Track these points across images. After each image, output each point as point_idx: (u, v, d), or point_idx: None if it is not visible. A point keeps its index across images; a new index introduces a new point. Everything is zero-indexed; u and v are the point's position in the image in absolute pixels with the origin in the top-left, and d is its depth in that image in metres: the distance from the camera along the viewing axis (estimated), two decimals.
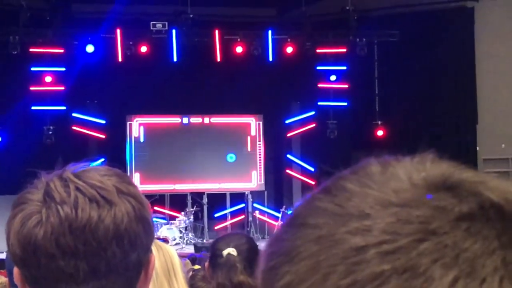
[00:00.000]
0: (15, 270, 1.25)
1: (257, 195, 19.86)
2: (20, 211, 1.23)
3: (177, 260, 2.75)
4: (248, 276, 2.95)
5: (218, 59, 18.41)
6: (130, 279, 1.27)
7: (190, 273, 6.52)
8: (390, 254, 0.57)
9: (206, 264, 3.14)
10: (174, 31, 18.11)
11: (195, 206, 18.62)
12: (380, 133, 19.06)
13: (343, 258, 0.58)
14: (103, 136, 18.91)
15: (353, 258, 0.58)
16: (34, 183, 1.27)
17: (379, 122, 19.13)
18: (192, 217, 18.25)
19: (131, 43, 18.13)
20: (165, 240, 14.66)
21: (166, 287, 2.65)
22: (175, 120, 19.68)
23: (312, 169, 19.55)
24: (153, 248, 2.57)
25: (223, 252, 3.00)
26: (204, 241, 17.85)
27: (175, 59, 18.28)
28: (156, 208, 18.67)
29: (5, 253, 13.08)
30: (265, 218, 19.38)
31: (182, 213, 18.20)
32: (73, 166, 1.29)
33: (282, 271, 0.62)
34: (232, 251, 3.00)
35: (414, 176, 0.63)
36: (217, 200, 19.43)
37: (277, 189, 20.41)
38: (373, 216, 0.60)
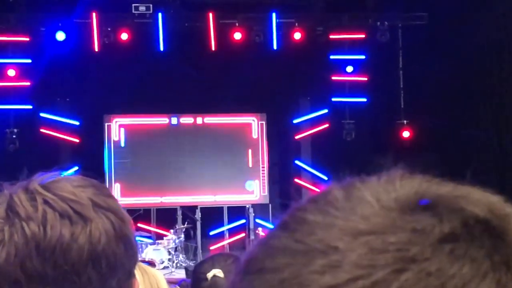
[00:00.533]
0: None
1: (260, 209, 19.58)
2: None
3: (164, 285, 2.72)
4: None
5: (213, 48, 18.12)
6: None
7: None
8: None
9: None
10: (160, 15, 17.80)
11: (186, 223, 18.41)
12: (406, 134, 18.81)
13: None
14: (76, 140, 18.66)
15: None
16: None
17: (405, 121, 18.90)
18: (183, 235, 17.98)
19: (109, 29, 17.90)
20: (151, 264, 14.50)
21: None
22: (162, 120, 19.49)
23: (326, 178, 19.13)
24: (137, 272, 2.42)
25: (208, 275, 3.07)
26: None
27: (161, 48, 18.01)
28: (140, 225, 18.28)
29: None
30: None
31: (171, 230, 17.93)
32: (41, 176, 1.28)
33: None
34: (218, 272, 3.07)
35: (383, 198, 0.63)
36: (212, 215, 19.16)
37: (283, 201, 20.11)
38: (341, 248, 0.59)
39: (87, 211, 1.21)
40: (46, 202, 1.20)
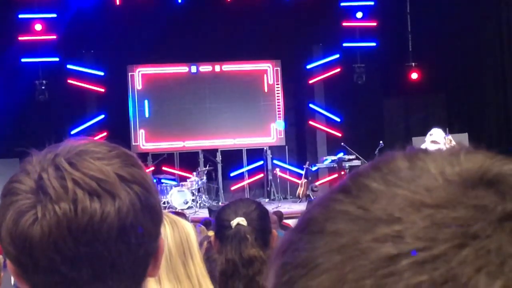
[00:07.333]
0: (9, 264, 1.23)
1: (277, 151, 19.94)
2: (11, 203, 1.20)
3: (193, 238, 2.75)
4: (259, 248, 2.95)
5: None
6: (138, 274, 1.27)
7: (205, 243, 6.58)
8: (427, 264, 0.56)
9: (212, 237, 3.15)
10: None
11: (208, 165, 18.63)
12: (414, 76, 19.12)
13: (372, 270, 0.56)
14: (102, 90, 19.09)
15: (384, 270, 0.56)
16: (25, 166, 1.23)
17: (413, 64, 19.12)
18: (205, 177, 18.29)
19: None
20: (181, 214, 14.55)
21: (181, 269, 2.66)
22: (182, 69, 19.73)
23: (338, 120, 19.66)
24: (167, 224, 2.58)
25: (232, 222, 2.99)
26: (220, 203, 17.86)
27: None
28: (164, 168, 18.94)
29: None
30: (287, 176, 19.51)
31: (194, 173, 18.22)
32: (67, 146, 1.24)
33: (300, 286, 0.60)
34: (241, 220, 2.98)
35: (447, 171, 0.61)
36: (232, 157, 19.51)
37: (299, 143, 20.52)
38: (404, 220, 0.58)
39: (114, 188, 1.19)
40: (75, 182, 1.18)
